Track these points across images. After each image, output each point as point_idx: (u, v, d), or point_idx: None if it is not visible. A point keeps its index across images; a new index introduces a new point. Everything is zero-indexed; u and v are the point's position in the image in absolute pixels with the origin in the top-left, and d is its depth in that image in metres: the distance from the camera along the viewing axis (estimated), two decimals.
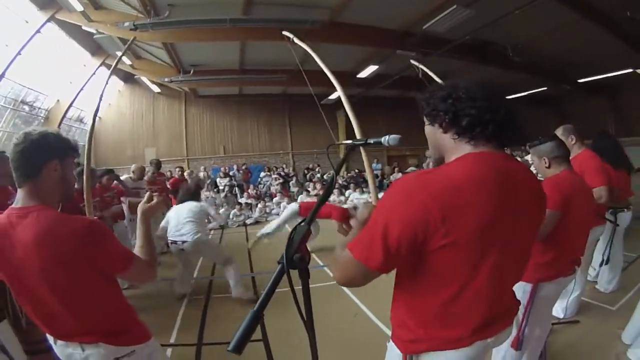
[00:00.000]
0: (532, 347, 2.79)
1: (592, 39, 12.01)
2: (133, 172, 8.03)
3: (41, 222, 1.73)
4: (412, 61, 7.55)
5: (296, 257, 1.36)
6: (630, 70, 13.93)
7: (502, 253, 1.38)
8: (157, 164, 9.71)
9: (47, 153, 1.84)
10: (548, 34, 12.05)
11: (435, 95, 1.50)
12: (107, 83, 5.58)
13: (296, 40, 5.43)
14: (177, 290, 5.80)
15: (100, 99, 5.36)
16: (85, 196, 4.31)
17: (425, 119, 1.58)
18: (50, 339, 1.93)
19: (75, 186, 5.49)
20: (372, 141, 1.86)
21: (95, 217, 2.09)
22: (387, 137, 1.76)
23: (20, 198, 1.82)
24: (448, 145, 1.50)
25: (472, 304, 1.41)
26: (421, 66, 6.99)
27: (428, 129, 1.58)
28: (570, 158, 2.96)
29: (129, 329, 1.96)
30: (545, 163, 2.88)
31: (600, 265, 4.78)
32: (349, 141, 1.99)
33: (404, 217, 1.30)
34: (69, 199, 1.99)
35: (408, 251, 1.33)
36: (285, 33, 5.78)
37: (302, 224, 1.45)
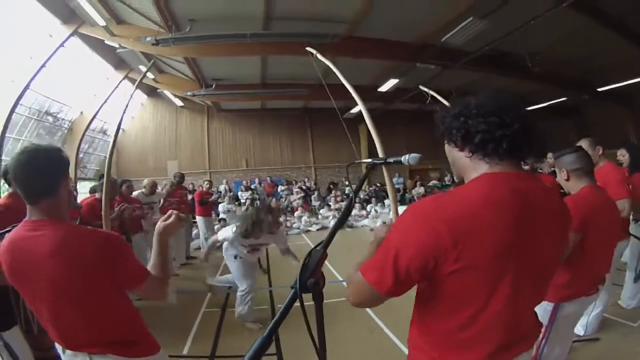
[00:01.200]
0: None
1: (609, 46, 11.88)
2: (144, 187, 7.92)
3: (57, 235, 1.74)
4: (422, 87, 7.54)
5: (310, 282, 1.32)
6: None
7: (520, 277, 1.33)
8: (180, 178, 9.80)
9: (61, 170, 1.86)
10: (565, 42, 11.96)
11: (449, 113, 1.48)
12: (131, 97, 5.65)
13: (319, 57, 5.44)
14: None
15: (124, 113, 5.41)
16: (103, 208, 4.30)
17: (442, 138, 1.55)
18: (59, 347, 1.93)
19: (97, 196, 5.58)
20: (392, 160, 1.82)
21: (112, 232, 2.07)
22: (407, 156, 1.73)
23: (33, 212, 1.82)
24: (465, 164, 1.47)
25: (487, 328, 1.36)
26: (431, 92, 6.98)
27: (446, 147, 1.55)
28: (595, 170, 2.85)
29: (138, 341, 1.95)
30: (564, 175, 2.79)
31: (635, 280, 4.67)
32: (369, 160, 1.96)
33: (416, 243, 1.28)
34: (74, 207, 2.00)
35: (419, 277, 1.32)
36: (308, 49, 5.80)
37: (318, 247, 1.42)
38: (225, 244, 5.25)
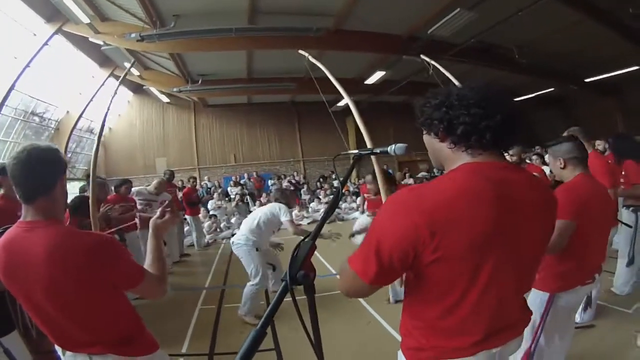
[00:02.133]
0: (554, 358, 2.72)
1: (597, 37, 11.97)
2: (156, 187, 7.81)
3: (52, 237, 1.72)
4: (423, 56, 7.46)
5: (300, 274, 1.33)
6: (636, 67, 13.85)
7: (501, 266, 1.34)
8: (170, 175, 9.79)
9: (58, 169, 1.84)
10: (552, 34, 12.04)
11: (429, 103, 1.46)
12: (115, 93, 5.60)
13: (311, 59, 5.44)
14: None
15: (108, 111, 5.36)
16: (90, 208, 4.28)
17: (422, 128, 1.55)
18: (59, 349, 1.92)
19: (86, 195, 5.54)
20: (378, 150, 1.82)
21: (106, 234, 2.05)
22: (393, 146, 1.72)
23: (29, 212, 1.80)
24: (446, 155, 1.47)
25: (470, 316, 1.38)
26: (432, 62, 6.87)
27: (425, 138, 1.54)
28: None
29: (136, 340, 1.95)
30: (561, 164, 2.77)
31: (627, 265, 4.68)
32: (355, 151, 1.95)
33: (395, 234, 1.29)
34: (66, 207, 1.99)
35: (402, 266, 1.33)
36: (301, 52, 5.79)
37: (307, 239, 1.42)
38: (243, 237, 5.25)
